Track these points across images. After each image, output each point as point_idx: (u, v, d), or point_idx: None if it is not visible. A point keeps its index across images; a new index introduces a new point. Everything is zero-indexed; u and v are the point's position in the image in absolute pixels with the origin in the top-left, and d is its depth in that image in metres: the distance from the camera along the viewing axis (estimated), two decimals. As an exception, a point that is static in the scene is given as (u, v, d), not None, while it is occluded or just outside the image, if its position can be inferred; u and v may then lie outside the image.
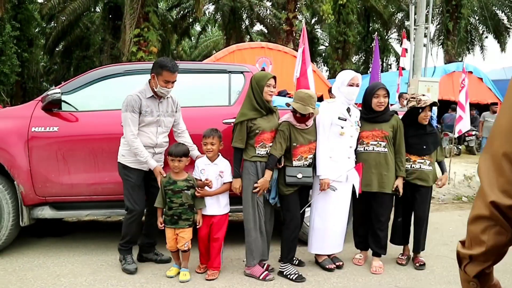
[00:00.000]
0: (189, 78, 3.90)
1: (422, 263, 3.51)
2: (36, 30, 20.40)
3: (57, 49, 21.23)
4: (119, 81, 3.72)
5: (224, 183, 3.20)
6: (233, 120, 3.55)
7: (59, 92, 3.42)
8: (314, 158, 3.25)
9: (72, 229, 4.53)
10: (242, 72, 3.87)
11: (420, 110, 3.43)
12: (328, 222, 3.33)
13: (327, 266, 3.35)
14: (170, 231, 3.14)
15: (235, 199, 3.31)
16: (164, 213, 3.15)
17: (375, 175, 3.32)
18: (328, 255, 3.45)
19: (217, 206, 3.18)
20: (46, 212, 3.49)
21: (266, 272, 3.17)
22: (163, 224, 3.14)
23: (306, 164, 3.20)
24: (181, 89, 3.77)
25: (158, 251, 3.52)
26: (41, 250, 3.70)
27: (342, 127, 3.24)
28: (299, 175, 3.14)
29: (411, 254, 3.65)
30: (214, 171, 3.17)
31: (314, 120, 3.30)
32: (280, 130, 3.16)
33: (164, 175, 3.13)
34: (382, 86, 3.38)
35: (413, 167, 3.48)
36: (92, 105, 3.74)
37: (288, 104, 3.39)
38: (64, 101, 3.56)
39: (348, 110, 3.31)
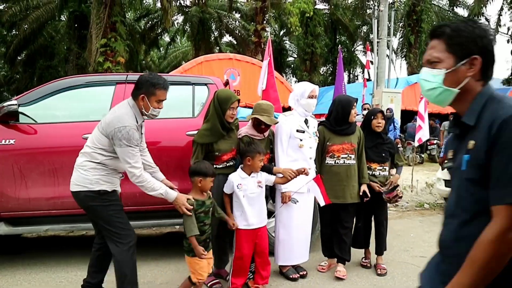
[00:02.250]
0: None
1: (384, 270, 3.63)
2: (-4, 38, 19.68)
3: (19, 58, 20.50)
4: (79, 92, 3.65)
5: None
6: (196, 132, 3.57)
7: (16, 104, 3.32)
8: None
9: (32, 246, 4.36)
10: (206, 84, 3.89)
11: (372, 117, 3.60)
12: (293, 233, 3.37)
13: (291, 276, 3.39)
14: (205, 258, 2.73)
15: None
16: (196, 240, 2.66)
17: (347, 187, 3.42)
18: (292, 265, 3.49)
19: (260, 218, 3.10)
20: (1, 229, 3.34)
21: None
22: (205, 253, 2.69)
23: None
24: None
25: None
26: (-5, 269, 3.54)
27: (301, 140, 3.30)
28: None
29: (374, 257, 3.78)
30: (253, 183, 3.04)
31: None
32: (244, 143, 3.19)
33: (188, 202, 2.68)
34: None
35: (374, 174, 3.63)
36: (52, 117, 3.64)
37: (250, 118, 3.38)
38: (22, 113, 3.45)
39: (306, 121, 3.38)
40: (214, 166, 3.05)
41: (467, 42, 1.23)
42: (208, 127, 3.08)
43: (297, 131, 3.30)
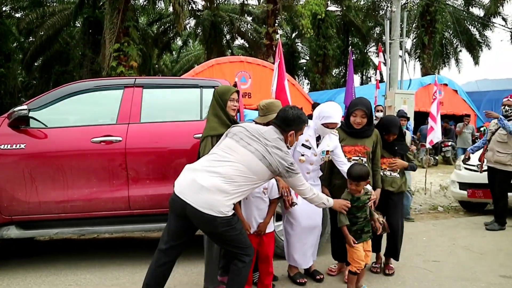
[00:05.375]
0: (161, 93, 3.91)
1: (392, 270, 3.60)
2: (14, 44, 20.11)
3: (35, 64, 20.92)
4: (89, 96, 3.69)
5: (271, 200, 3.06)
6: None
7: (26, 109, 3.37)
8: None
9: (44, 249, 4.42)
10: (213, 87, 3.88)
11: (384, 133, 3.56)
12: (298, 236, 3.32)
13: (298, 280, 3.35)
14: (361, 248, 3.07)
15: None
16: (348, 230, 3.03)
17: None
18: (306, 269, 3.45)
19: (257, 223, 3.02)
20: (12, 232, 3.39)
21: None
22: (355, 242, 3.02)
23: None
24: (152, 104, 3.78)
25: None
26: (6, 273, 3.58)
27: (302, 155, 3.22)
28: None
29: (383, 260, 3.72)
30: (259, 188, 2.94)
31: None
32: None
33: None
34: (359, 107, 3.30)
35: (385, 174, 3.56)
36: (62, 121, 3.69)
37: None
38: (32, 118, 3.51)
39: (318, 138, 3.26)
40: None
41: None
42: (215, 120, 3.02)
43: (303, 145, 3.22)
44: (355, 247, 3.05)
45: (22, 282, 3.37)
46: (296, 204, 3.23)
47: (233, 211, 2.43)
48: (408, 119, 5.67)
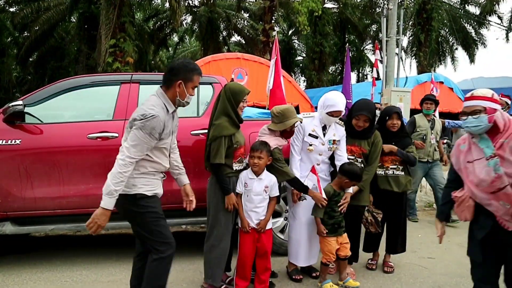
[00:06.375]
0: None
1: (391, 268, 3.62)
2: (8, 39, 19.93)
3: (30, 59, 20.74)
4: (85, 92, 3.67)
5: (271, 198, 3.09)
6: (202, 131, 3.55)
7: (22, 104, 3.34)
8: None
9: (39, 245, 4.39)
10: (211, 83, 3.88)
11: (387, 118, 3.54)
12: (302, 233, 3.34)
13: (294, 277, 3.37)
14: (334, 241, 3.18)
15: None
16: (323, 223, 3.18)
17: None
18: (304, 266, 3.46)
19: (257, 221, 3.05)
20: (7, 228, 3.37)
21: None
22: (325, 231, 3.17)
23: None
24: (149, 101, 3.76)
25: None
26: (1, 269, 3.56)
27: (310, 144, 3.26)
28: None
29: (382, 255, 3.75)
30: (259, 186, 3.02)
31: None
32: (279, 155, 3.12)
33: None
34: (364, 113, 3.27)
35: (387, 173, 3.54)
36: (57, 117, 3.67)
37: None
38: (28, 113, 3.48)
39: (324, 127, 3.30)
40: (234, 168, 3.04)
41: None
42: (226, 119, 2.96)
43: (310, 134, 3.25)
44: (327, 240, 3.17)
45: (18, 278, 3.36)
46: (305, 199, 3.26)
47: (148, 195, 2.37)
48: (437, 103, 5.56)
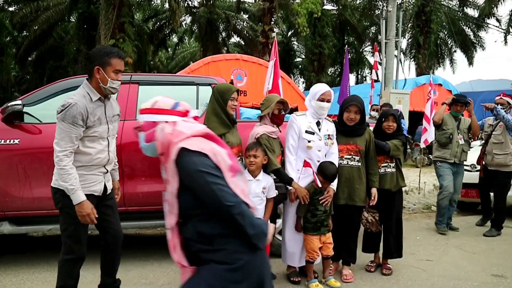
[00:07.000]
0: (157, 90, 3.87)
1: (389, 271, 3.62)
2: (7, 38, 19.91)
3: (29, 58, 20.71)
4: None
5: (268, 199, 3.09)
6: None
7: (21, 104, 3.34)
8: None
9: (37, 245, 4.38)
10: (210, 84, 3.88)
11: (383, 120, 3.55)
12: (298, 234, 3.33)
13: (292, 279, 3.37)
14: (316, 240, 3.20)
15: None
16: (306, 221, 3.21)
17: (349, 189, 3.36)
18: (302, 268, 3.44)
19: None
20: (5, 228, 3.37)
21: None
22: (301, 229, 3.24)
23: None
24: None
25: None
26: (-1, 268, 3.56)
27: (309, 141, 3.25)
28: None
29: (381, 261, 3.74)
30: (257, 187, 3.01)
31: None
32: (263, 144, 3.13)
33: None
34: (354, 103, 3.34)
35: (379, 172, 3.54)
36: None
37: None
38: (27, 113, 3.47)
39: (318, 123, 3.32)
40: None
41: None
42: (215, 120, 3.00)
43: (306, 132, 3.25)
44: (310, 238, 3.21)
45: (15, 278, 3.35)
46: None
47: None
48: (467, 105, 5.23)
